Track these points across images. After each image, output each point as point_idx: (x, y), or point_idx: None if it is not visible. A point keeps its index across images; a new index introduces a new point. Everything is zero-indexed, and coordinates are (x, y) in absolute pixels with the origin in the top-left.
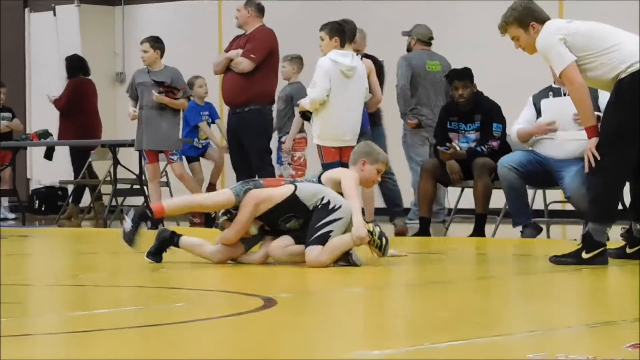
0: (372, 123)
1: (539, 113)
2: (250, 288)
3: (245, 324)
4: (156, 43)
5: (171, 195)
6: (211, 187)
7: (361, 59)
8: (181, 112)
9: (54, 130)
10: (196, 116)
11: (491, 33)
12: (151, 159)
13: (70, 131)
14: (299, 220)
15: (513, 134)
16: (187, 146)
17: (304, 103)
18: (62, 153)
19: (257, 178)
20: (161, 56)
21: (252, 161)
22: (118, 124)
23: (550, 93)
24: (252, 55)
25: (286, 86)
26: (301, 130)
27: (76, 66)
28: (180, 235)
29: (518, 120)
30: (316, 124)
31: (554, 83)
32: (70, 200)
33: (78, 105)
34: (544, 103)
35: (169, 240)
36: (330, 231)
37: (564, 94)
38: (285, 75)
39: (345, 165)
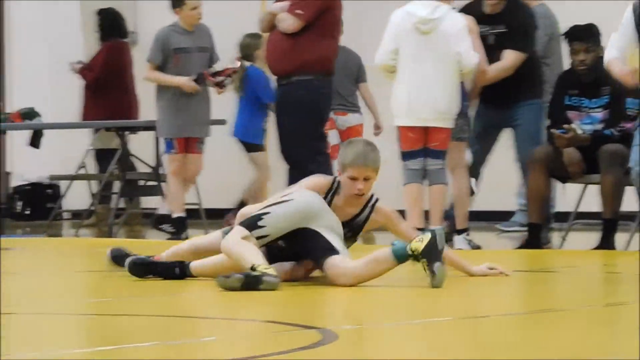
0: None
1: None
2: (297, 317)
3: None
4: None
5: (198, 194)
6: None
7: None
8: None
9: (42, 108)
10: (269, 90)
11: None
12: (181, 147)
13: (100, 110)
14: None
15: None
16: (250, 131)
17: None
18: (54, 139)
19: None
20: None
21: (297, 150)
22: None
23: None
24: (298, 12)
25: None
26: None
27: (112, 24)
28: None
29: (611, 43)
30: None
31: None
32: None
33: (113, 77)
34: None
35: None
36: (265, 213)
37: None
38: None
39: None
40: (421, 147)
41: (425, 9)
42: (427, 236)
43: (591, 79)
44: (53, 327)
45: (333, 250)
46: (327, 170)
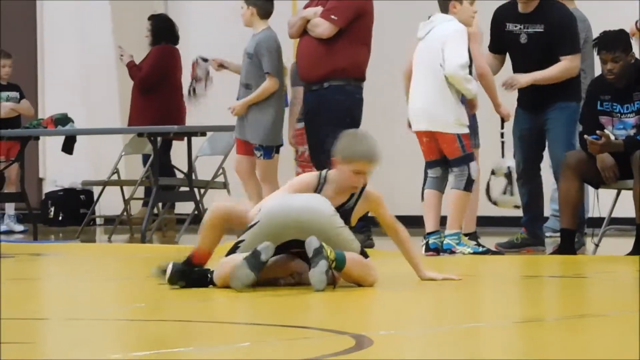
0: None
1: None
2: (330, 322)
3: None
4: None
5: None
6: None
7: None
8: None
9: (75, 114)
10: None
11: None
12: (239, 149)
13: (149, 113)
14: None
15: None
16: None
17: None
18: (87, 145)
19: None
20: (262, 16)
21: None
22: None
23: None
24: (332, 17)
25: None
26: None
27: (163, 29)
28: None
29: None
30: None
31: None
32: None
33: (162, 80)
34: None
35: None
36: (241, 241)
37: None
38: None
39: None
40: (440, 156)
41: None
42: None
43: (623, 85)
44: (87, 333)
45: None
46: None
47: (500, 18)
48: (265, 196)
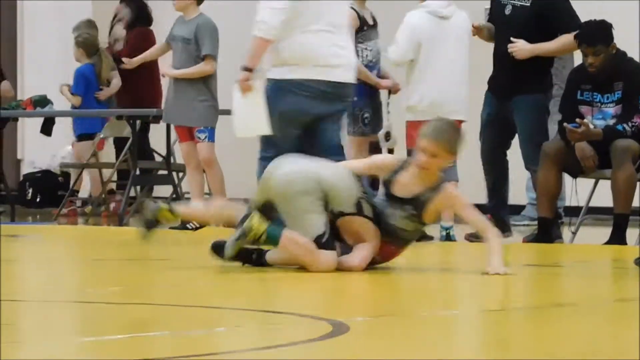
0: None
1: None
2: (308, 307)
3: (305, 357)
4: None
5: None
6: None
7: None
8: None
9: (54, 96)
10: None
11: None
12: (182, 136)
13: (127, 97)
14: None
15: None
16: None
17: None
18: (64, 126)
19: None
20: (199, 2)
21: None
22: None
23: None
24: None
25: None
26: None
27: (137, 13)
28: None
29: None
30: None
31: None
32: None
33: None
34: None
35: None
36: None
37: None
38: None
39: None
40: None
41: None
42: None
43: (605, 75)
44: (63, 315)
45: None
46: None
47: None
48: (212, 184)
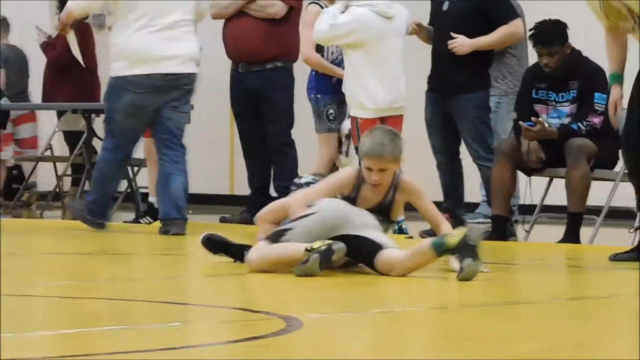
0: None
1: None
2: (262, 304)
3: (257, 353)
4: None
5: None
6: None
7: None
8: None
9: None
10: None
11: None
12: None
13: (64, 91)
14: None
15: None
16: None
17: None
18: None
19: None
20: None
21: (274, 138)
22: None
23: None
24: None
25: None
26: None
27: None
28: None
29: None
30: None
31: None
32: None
33: (76, 59)
34: None
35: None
36: (288, 229)
37: None
38: None
39: None
40: None
41: None
42: (461, 232)
43: (560, 74)
44: (17, 309)
45: (379, 246)
46: (295, 157)
47: None
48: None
